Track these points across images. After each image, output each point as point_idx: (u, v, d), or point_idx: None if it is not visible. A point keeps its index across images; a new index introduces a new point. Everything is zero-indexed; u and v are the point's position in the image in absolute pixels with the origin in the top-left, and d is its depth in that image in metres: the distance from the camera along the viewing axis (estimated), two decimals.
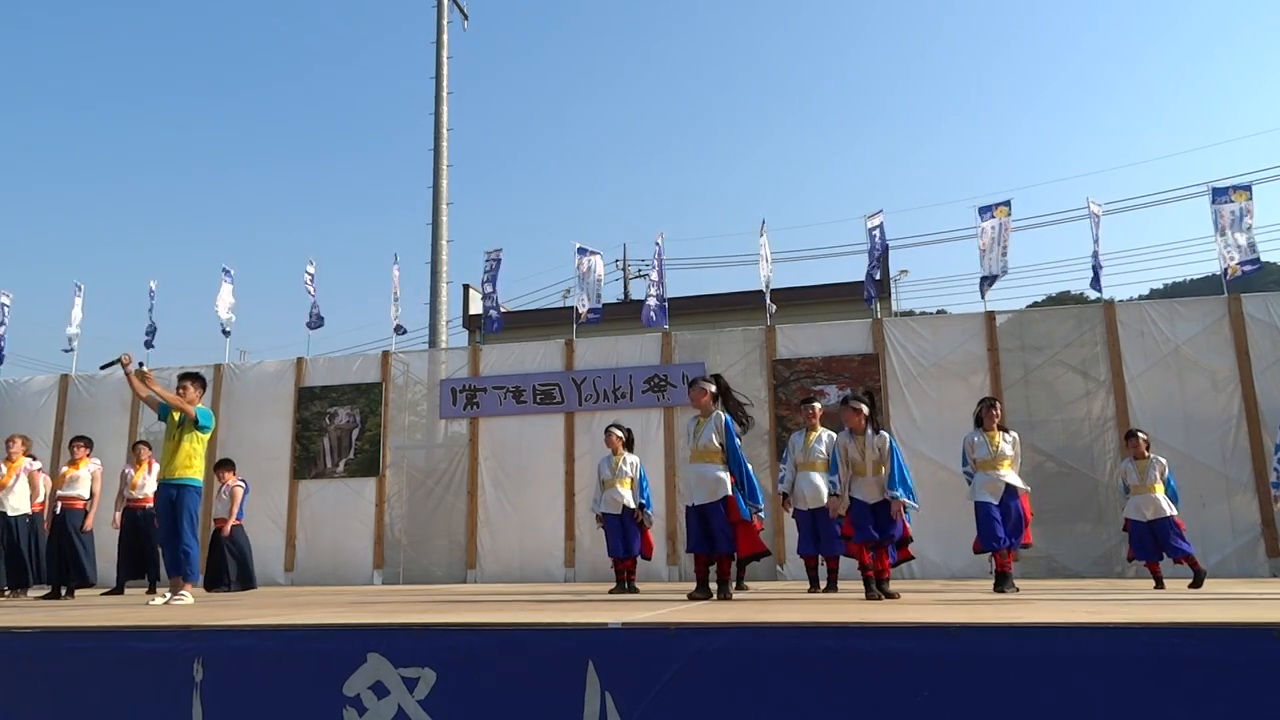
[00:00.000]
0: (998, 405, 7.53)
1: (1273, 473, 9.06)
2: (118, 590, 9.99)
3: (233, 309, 13.58)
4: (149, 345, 13.72)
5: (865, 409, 6.26)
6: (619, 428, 8.52)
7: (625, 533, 8.12)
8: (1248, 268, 10.61)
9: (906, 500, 6.10)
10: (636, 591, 7.58)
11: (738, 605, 5.07)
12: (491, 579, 11.63)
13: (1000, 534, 7.13)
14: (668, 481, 11.21)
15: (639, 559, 8.27)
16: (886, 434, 6.27)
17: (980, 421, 7.44)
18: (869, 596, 5.85)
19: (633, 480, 8.26)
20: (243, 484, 10.41)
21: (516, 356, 12.50)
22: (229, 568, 9.86)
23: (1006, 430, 7.46)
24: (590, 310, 12.40)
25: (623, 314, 19.45)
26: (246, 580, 10.02)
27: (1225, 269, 10.69)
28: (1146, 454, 7.92)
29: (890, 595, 5.72)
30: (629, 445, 8.49)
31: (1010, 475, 7.28)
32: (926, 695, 2.75)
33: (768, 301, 11.95)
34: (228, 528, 9.97)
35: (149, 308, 13.79)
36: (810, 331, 11.81)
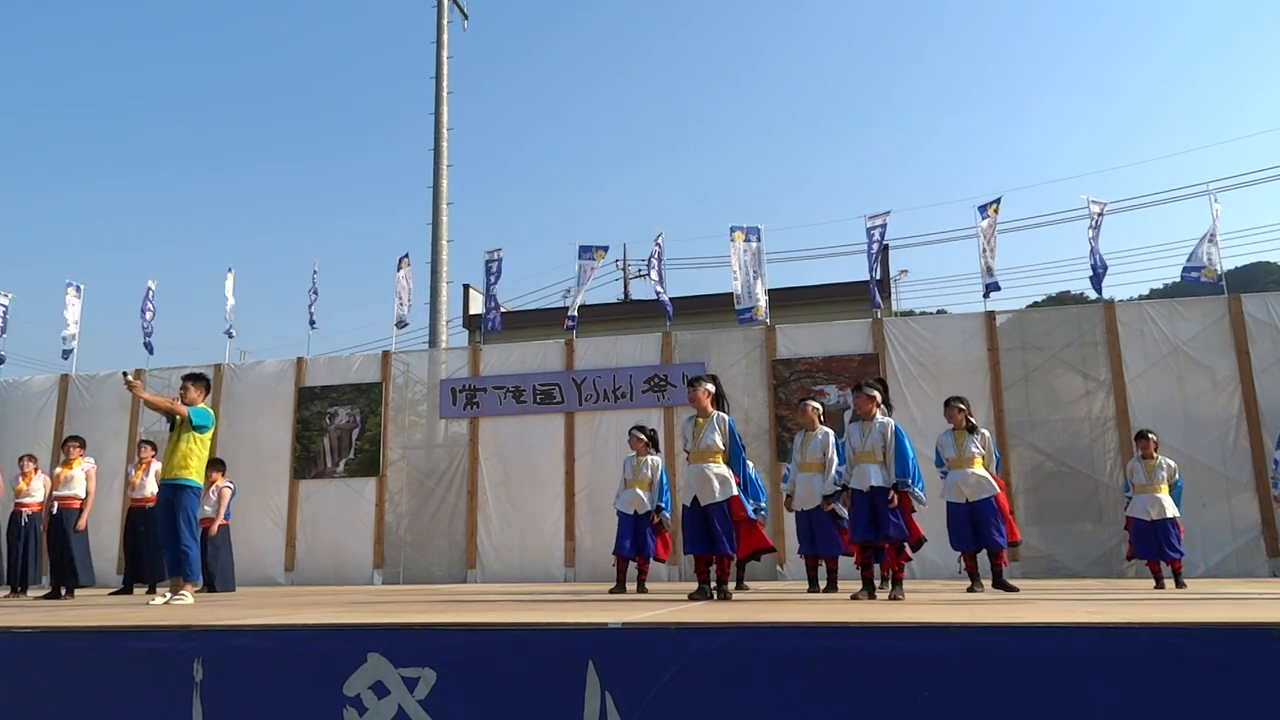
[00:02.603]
0: (962, 403, 7.56)
1: (1272, 470, 9.08)
2: (125, 590, 9.97)
3: (233, 309, 13.59)
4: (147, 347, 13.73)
5: (878, 395, 6.25)
6: (642, 429, 8.55)
7: (636, 533, 8.15)
8: (1203, 278, 10.73)
9: (911, 490, 5.98)
10: (646, 591, 7.61)
11: (738, 605, 5.07)
12: (492, 579, 11.63)
13: (966, 535, 7.25)
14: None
15: (651, 560, 8.29)
16: (892, 421, 6.18)
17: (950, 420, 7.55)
18: (853, 596, 5.85)
19: (651, 482, 8.30)
20: (230, 486, 10.38)
21: (516, 356, 12.51)
22: (210, 569, 9.79)
23: (975, 430, 7.49)
24: (569, 317, 12.52)
25: (623, 314, 19.45)
26: (225, 583, 9.92)
27: (1204, 269, 10.80)
28: (1155, 455, 7.99)
29: (895, 596, 5.68)
30: (653, 446, 8.53)
31: (979, 472, 7.31)
32: (926, 695, 2.75)
33: (736, 303, 11.86)
34: (214, 528, 9.88)
35: (151, 309, 13.78)
36: (810, 331, 11.81)
